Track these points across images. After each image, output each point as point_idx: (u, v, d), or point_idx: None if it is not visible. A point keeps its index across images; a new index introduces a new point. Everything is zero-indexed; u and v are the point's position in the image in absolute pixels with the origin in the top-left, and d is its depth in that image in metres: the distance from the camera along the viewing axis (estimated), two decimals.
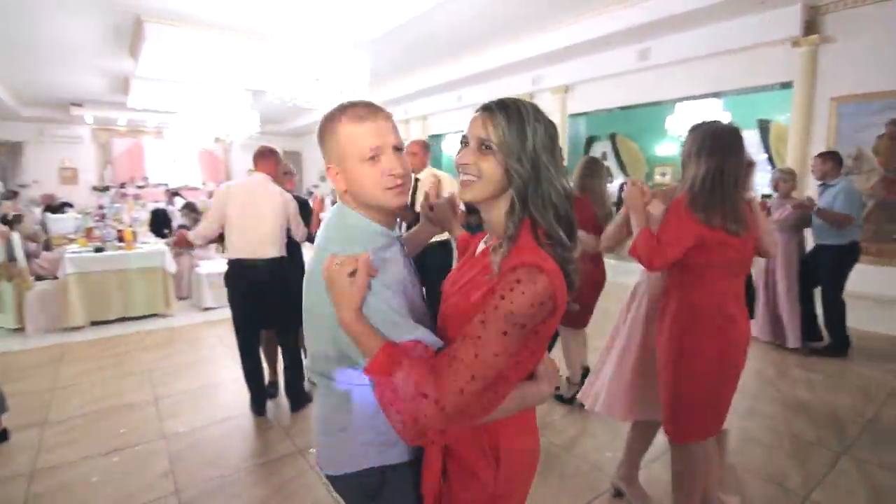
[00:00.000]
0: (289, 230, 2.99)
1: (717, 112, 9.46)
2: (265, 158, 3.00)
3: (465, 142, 0.97)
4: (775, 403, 3.09)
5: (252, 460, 2.51)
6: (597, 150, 14.54)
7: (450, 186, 3.31)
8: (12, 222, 4.71)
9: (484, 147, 0.93)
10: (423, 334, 0.92)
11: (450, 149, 13.83)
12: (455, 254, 1.55)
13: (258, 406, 3.00)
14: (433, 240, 3.05)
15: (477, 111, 0.98)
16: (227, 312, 3.14)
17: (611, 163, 14.26)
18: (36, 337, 4.42)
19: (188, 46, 7.35)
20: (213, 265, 5.37)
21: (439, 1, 6.01)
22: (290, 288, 2.62)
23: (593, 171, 2.89)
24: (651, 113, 11.64)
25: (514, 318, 0.83)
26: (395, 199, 1.00)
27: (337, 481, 1.07)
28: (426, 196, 2.83)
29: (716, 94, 7.63)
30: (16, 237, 4.38)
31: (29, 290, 4.41)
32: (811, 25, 5.62)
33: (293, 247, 3.08)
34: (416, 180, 3.42)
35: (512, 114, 0.92)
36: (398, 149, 1.01)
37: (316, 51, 5.29)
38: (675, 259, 1.69)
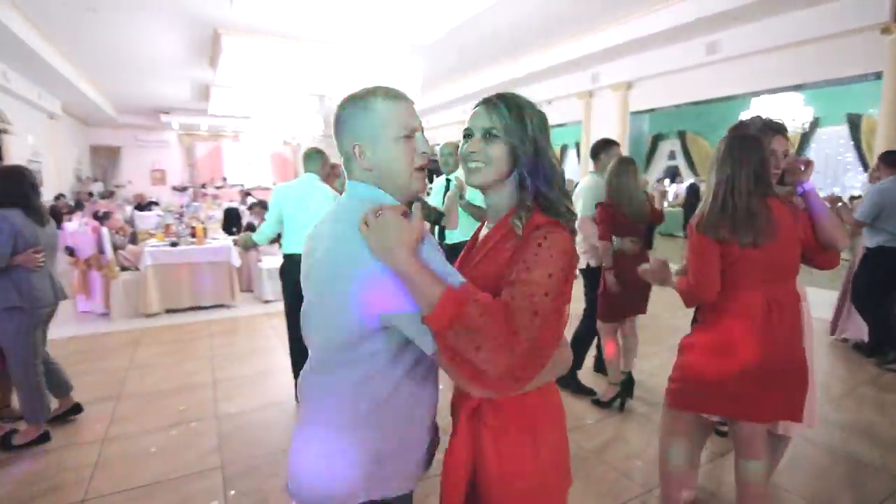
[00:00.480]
0: None
1: (798, 106, 8.76)
2: (312, 159, 3.19)
3: (469, 134, 1.03)
4: (837, 421, 2.83)
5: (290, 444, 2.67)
6: (664, 149, 13.89)
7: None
8: (102, 218, 5.27)
9: (489, 135, 1.00)
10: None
11: None
12: None
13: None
14: (465, 238, 3.09)
15: (478, 105, 1.04)
16: (282, 305, 3.35)
17: (679, 162, 13.56)
18: (119, 321, 4.92)
19: (259, 55, 7.86)
20: (274, 260, 5.71)
21: (492, 3, 6.00)
22: None
23: (623, 170, 2.84)
24: (724, 108, 10.97)
25: (553, 261, 0.89)
26: (419, 183, 1.02)
27: None
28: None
29: (797, 87, 7.02)
30: (105, 231, 4.90)
31: (115, 278, 4.93)
32: None
33: None
34: (448, 181, 3.44)
35: (511, 104, 1.00)
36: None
37: (371, 56, 5.46)
38: (716, 284, 1.67)
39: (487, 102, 1.02)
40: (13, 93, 8.41)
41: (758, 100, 8.89)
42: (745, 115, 9.01)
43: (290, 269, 3.09)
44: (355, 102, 1.00)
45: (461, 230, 3.30)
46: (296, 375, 3.18)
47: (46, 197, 9.84)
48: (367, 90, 1.01)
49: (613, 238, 2.88)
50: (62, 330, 4.40)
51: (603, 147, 3.21)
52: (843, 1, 5.34)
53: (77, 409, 2.94)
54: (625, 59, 8.07)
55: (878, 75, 5.47)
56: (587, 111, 9.25)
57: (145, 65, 9.17)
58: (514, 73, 9.22)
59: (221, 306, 5.48)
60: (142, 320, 4.96)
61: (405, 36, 7.12)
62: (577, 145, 11.80)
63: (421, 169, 1.02)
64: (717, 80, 7.13)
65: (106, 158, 14.81)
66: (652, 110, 8.73)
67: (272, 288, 5.56)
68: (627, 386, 3.02)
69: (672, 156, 13.79)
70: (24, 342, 2.56)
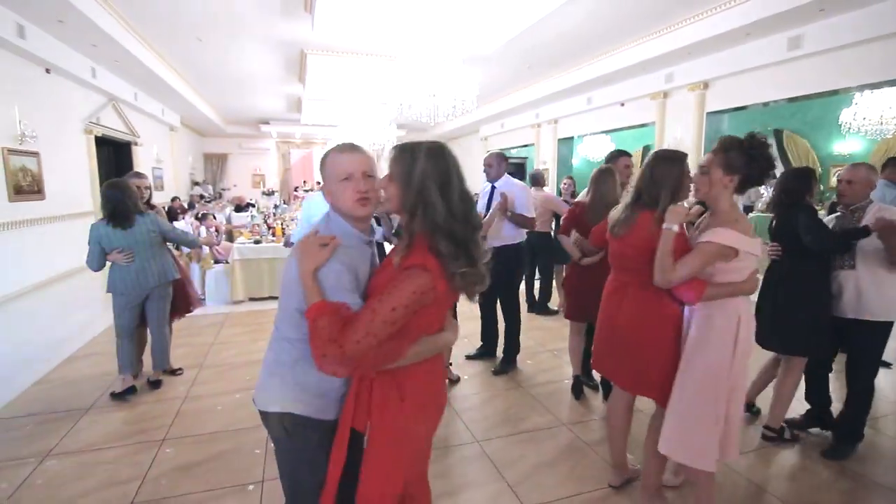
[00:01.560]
0: None
1: None
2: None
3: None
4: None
5: None
6: None
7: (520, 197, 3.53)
8: (201, 219, 6.18)
9: (391, 177, 1.30)
10: (351, 300, 1.26)
11: (584, 151, 13.58)
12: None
13: None
14: (504, 243, 3.40)
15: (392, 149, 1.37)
16: None
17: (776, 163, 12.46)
18: (211, 306, 5.75)
19: (338, 71, 8.62)
20: None
21: (551, 11, 6.12)
22: None
23: (599, 179, 3.04)
24: (825, 105, 10.04)
25: (400, 301, 1.18)
26: (361, 210, 1.36)
27: (265, 417, 1.42)
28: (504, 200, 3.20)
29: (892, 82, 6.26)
30: (202, 230, 5.77)
31: (209, 269, 5.78)
32: None
33: None
34: (493, 187, 3.65)
35: (403, 153, 1.27)
36: (369, 175, 1.37)
37: (432, 68, 5.85)
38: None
39: (393, 149, 1.30)
40: (142, 110, 9.94)
41: (860, 95, 8.07)
42: (846, 113, 8.30)
43: None
44: (322, 158, 1.41)
45: (499, 237, 3.53)
46: None
47: (164, 199, 11.45)
48: (330, 148, 1.43)
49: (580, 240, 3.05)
50: None
51: (611, 158, 3.29)
52: None
53: (157, 384, 3.55)
54: (701, 59, 7.75)
55: None
56: (661, 112, 8.95)
57: (246, 82, 10.37)
58: (586, 76, 9.17)
59: None
60: (230, 306, 5.76)
61: (467, 47, 7.46)
62: (645, 148, 11.36)
63: (362, 199, 1.34)
64: (798, 78, 6.64)
65: (215, 164, 16.73)
66: (743, 107, 8.13)
67: None
68: (605, 385, 3.23)
69: None
70: (115, 317, 3.28)
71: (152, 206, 3.68)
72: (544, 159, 12.90)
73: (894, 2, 5.33)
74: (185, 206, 10.59)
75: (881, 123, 8.03)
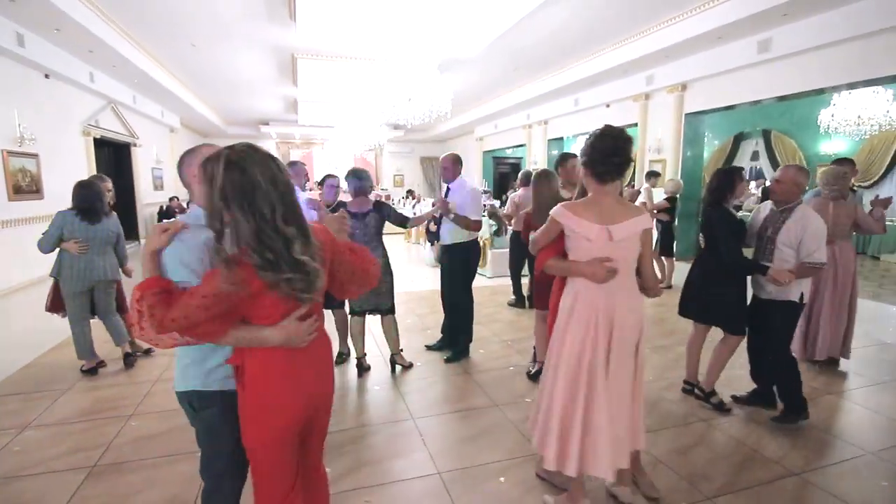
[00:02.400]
0: None
1: (883, 102, 7.94)
2: (293, 168, 3.85)
3: None
4: None
5: None
6: (746, 150, 12.98)
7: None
8: None
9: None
10: (181, 278, 1.33)
11: (577, 150, 13.77)
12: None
13: None
14: (456, 241, 3.63)
15: None
16: None
17: (763, 163, 12.58)
18: None
19: (327, 74, 8.90)
20: None
21: (530, 12, 6.27)
22: None
23: (537, 183, 3.31)
24: (812, 105, 10.13)
25: (210, 290, 1.24)
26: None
27: (178, 397, 1.54)
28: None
29: (873, 82, 6.25)
30: None
31: None
32: None
33: None
34: (448, 189, 3.89)
35: (205, 166, 1.27)
36: None
37: (408, 73, 6.10)
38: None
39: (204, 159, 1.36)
40: (141, 112, 10.30)
41: (838, 96, 8.20)
42: (824, 112, 8.40)
43: None
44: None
45: (450, 235, 3.81)
46: None
47: (163, 198, 11.80)
48: (192, 149, 1.61)
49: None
50: None
51: (561, 160, 3.53)
52: None
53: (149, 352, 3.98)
54: (678, 61, 7.94)
55: None
56: (643, 113, 9.14)
57: (242, 85, 10.69)
58: (572, 78, 9.36)
59: None
60: None
61: (451, 50, 7.69)
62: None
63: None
64: (769, 80, 6.81)
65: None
66: (731, 107, 8.21)
67: None
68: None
69: (755, 156, 12.86)
70: (68, 304, 3.59)
71: (113, 208, 3.95)
72: (535, 159, 13.11)
73: (854, 7, 5.50)
74: (184, 205, 10.93)
75: (858, 124, 8.17)
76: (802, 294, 2.75)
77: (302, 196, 3.75)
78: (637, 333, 1.93)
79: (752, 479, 2.35)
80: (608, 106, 10.05)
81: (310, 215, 3.04)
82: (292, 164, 3.93)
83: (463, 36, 7.27)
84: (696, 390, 3.17)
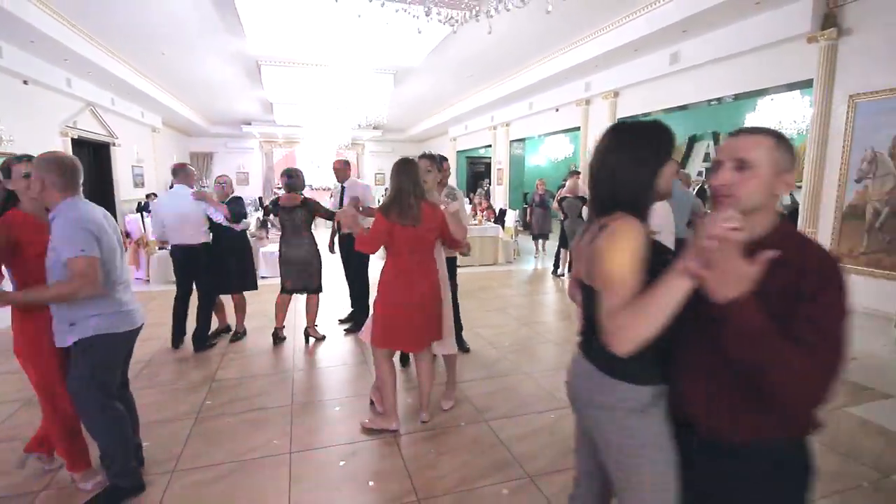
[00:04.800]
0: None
1: (800, 106, 8.60)
2: (183, 171, 4.41)
3: None
4: None
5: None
6: (699, 151, 13.62)
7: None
8: (148, 210, 7.17)
9: None
10: (88, 251, 2.14)
11: (546, 151, 14.59)
12: None
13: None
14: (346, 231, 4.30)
15: None
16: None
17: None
18: (154, 285, 6.75)
19: (288, 78, 9.56)
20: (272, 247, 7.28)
21: (449, 33, 6.91)
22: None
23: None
24: (748, 108, 10.71)
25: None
26: None
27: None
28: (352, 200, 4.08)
29: (737, 97, 7.05)
30: (148, 220, 6.76)
31: (154, 255, 6.78)
32: (828, 19, 5.32)
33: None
34: (343, 188, 4.59)
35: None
36: None
37: (346, 78, 6.75)
38: (378, 246, 2.81)
39: None
40: (120, 114, 10.96)
41: (761, 101, 8.86)
42: (749, 116, 9.06)
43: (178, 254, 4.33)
44: None
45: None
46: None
47: (140, 195, 12.48)
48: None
49: None
50: None
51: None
52: (768, 14, 5.65)
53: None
54: (608, 70, 8.61)
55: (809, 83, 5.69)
56: (585, 118, 9.80)
57: (217, 89, 11.35)
58: (523, 83, 9.94)
59: None
60: (169, 285, 6.76)
61: (394, 60, 8.35)
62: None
63: None
64: (681, 89, 7.48)
65: (202, 162, 17.80)
66: (683, 106, 8.80)
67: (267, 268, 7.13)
68: None
69: (707, 157, 13.51)
70: None
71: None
72: (500, 160, 13.79)
73: (746, 23, 6.15)
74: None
75: (779, 128, 8.80)
76: None
77: (189, 192, 4.23)
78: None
79: None
80: (557, 110, 10.72)
81: (200, 206, 3.76)
82: (181, 166, 4.50)
83: (402, 48, 7.88)
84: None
